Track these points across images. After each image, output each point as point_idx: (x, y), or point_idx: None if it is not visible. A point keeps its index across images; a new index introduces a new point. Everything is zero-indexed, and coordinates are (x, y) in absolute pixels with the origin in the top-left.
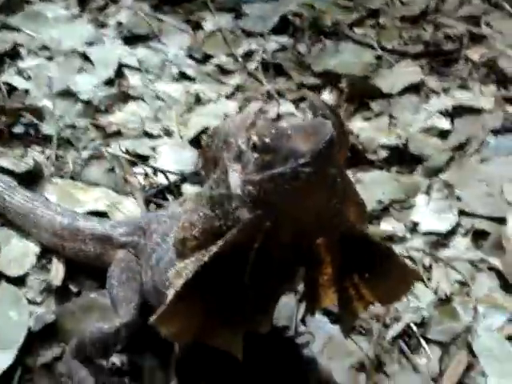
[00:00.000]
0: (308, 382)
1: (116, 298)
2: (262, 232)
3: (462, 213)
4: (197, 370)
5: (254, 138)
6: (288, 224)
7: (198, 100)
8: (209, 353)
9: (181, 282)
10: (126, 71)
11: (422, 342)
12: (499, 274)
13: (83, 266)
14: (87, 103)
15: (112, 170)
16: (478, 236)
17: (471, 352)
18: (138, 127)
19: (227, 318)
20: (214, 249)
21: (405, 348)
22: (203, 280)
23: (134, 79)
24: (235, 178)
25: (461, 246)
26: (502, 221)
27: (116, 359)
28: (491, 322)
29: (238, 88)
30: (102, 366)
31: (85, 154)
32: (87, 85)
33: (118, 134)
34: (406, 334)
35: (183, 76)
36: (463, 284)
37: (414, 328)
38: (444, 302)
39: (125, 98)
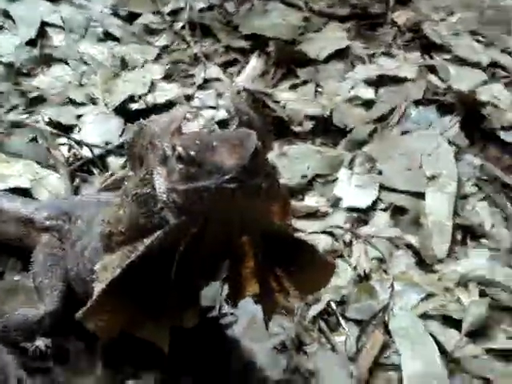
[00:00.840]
0: (230, 363)
1: (40, 285)
2: (188, 235)
3: (382, 188)
4: (122, 353)
5: (179, 149)
6: (213, 228)
7: (124, 63)
8: (135, 337)
9: (108, 277)
10: (49, 30)
11: (341, 320)
12: (415, 251)
13: (5, 246)
14: (9, 66)
15: (35, 139)
16: (397, 212)
17: (387, 331)
18: (61, 93)
19: (153, 312)
20: (140, 248)
21: (324, 327)
22: (130, 276)
23: (57, 39)
24: (161, 182)
25: (380, 222)
26: (420, 195)
27: (40, 342)
28: (407, 300)
29: (165, 49)
30: (25, 350)
31: (7, 121)
32: (9, 46)
33: (41, 100)
34: (326, 312)
35: (108, 36)
36: (381, 261)
37: (334, 306)
38: (363, 279)
39: (48, 60)
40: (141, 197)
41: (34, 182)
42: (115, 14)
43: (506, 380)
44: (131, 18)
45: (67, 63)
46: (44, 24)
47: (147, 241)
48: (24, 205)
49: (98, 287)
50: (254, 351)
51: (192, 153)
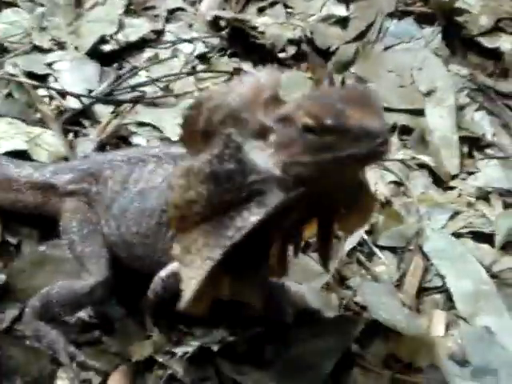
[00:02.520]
0: (284, 310)
1: (82, 255)
2: (298, 207)
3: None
4: (171, 313)
5: (307, 120)
6: (322, 198)
7: (78, 1)
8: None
9: (198, 265)
10: None
11: (376, 250)
12: (430, 170)
13: (19, 215)
14: None
15: (10, 95)
16: (403, 132)
17: (424, 255)
18: (23, 40)
19: (248, 276)
20: (238, 225)
21: (362, 259)
22: (227, 254)
23: None
24: (262, 157)
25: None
26: (419, 112)
27: (82, 314)
28: (434, 221)
29: None
30: (68, 323)
31: None
32: None
33: (2, 50)
34: (359, 244)
35: None
36: (399, 184)
37: (366, 237)
38: (385, 205)
39: None
40: (221, 173)
41: (29, 143)
42: None
43: None
44: None
45: (18, 6)
46: None
47: (246, 222)
48: (37, 169)
49: (189, 273)
50: (304, 294)
51: (328, 121)
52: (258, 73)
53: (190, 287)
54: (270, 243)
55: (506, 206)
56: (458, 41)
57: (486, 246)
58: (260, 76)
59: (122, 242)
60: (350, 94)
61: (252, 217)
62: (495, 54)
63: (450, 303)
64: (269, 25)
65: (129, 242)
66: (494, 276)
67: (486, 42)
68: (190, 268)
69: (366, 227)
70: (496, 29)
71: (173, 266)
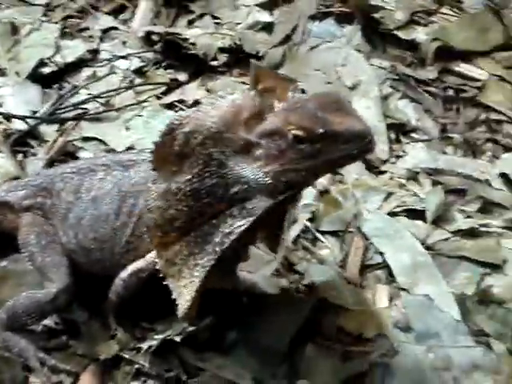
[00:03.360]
0: (241, 298)
1: (42, 265)
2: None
3: None
4: (133, 311)
5: (298, 132)
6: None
7: (15, 28)
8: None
9: (189, 275)
10: None
11: (318, 235)
12: (363, 159)
13: None
14: None
15: None
16: None
17: (363, 235)
18: None
19: (228, 267)
20: (226, 241)
21: (307, 245)
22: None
23: None
24: (250, 169)
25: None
26: None
27: (48, 321)
28: (370, 203)
29: (48, 7)
30: (35, 331)
31: None
32: None
33: None
34: (303, 231)
35: None
36: (335, 173)
37: (308, 224)
38: (324, 193)
39: None
40: (202, 190)
41: None
42: None
43: (478, 254)
44: None
45: None
46: None
47: (234, 228)
48: None
49: (178, 284)
50: (257, 282)
51: (320, 130)
52: (231, 96)
53: (183, 297)
54: (254, 239)
55: (434, 183)
56: (377, 36)
57: (419, 222)
58: (234, 98)
59: (81, 248)
60: (322, 102)
61: (238, 222)
62: (412, 45)
63: (391, 277)
64: (199, 35)
65: (87, 248)
66: (428, 248)
67: (403, 35)
68: (178, 278)
69: (308, 215)
70: (411, 22)
71: (132, 267)
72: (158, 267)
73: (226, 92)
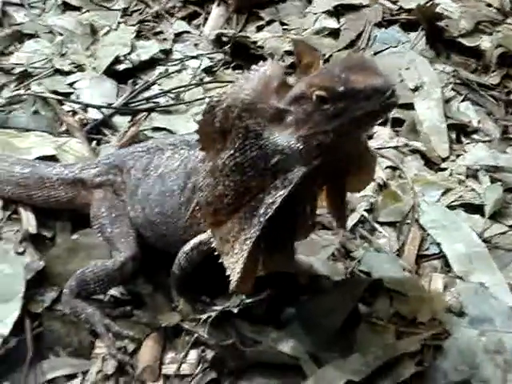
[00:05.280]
0: (297, 279)
1: (112, 236)
2: (318, 176)
3: None
4: (195, 285)
5: (320, 93)
6: (337, 163)
7: (94, 30)
8: (203, 269)
9: (236, 248)
10: (8, 9)
11: (376, 225)
12: (422, 155)
13: (52, 211)
14: None
15: (37, 112)
16: (395, 124)
17: (420, 226)
18: (45, 65)
19: (281, 246)
20: (267, 210)
21: (364, 233)
22: (260, 235)
23: (19, 16)
24: (283, 137)
25: (383, 135)
26: (410, 106)
27: (114, 291)
28: (428, 197)
29: (126, 11)
30: (103, 301)
31: (3, 99)
32: None
33: (27, 75)
34: (361, 221)
35: (68, 6)
36: (394, 169)
37: (366, 215)
38: (383, 187)
39: (18, 37)
40: (246, 162)
41: (57, 149)
42: None
43: None
44: None
45: (38, 37)
46: (2, 4)
47: (275, 198)
48: (66, 167)
49: (231, 260)
50: (313, 265)
51: (340, 89)
52: (262, 68)
53: (235, 271)
54: (296, 213)
55: (493, 180)
56: (441, 43)
57: (476, 216)
58: (264, 69)
59: (147, 222)
60: (349, 64)
61: (280, 191)
62: (476, 53)
63: (446, 267)
64: (267, 39)
65: (153, 221)
66: (485, 241)
67: (467, 42)
68: (231, 255)
69: (366, 206)
70: (475, 30)
71: (194, 241)
72: (213, 245)
73: (257, 65)
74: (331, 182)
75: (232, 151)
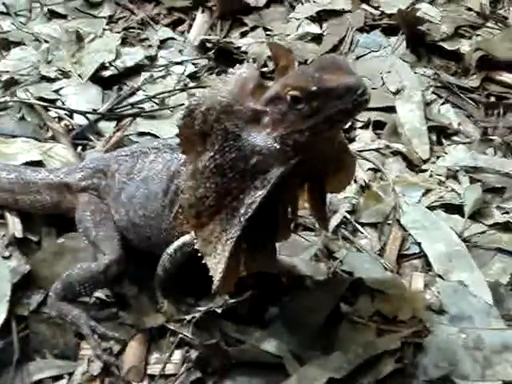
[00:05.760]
0: (280, 279)
1: (96, 239)
2: (298, 178)
3: None
4: (178, 286)
5: (294, 93)
6: (315, 162)
7: (80, 37)
8: (187, 270)
9: (219, 248)
10: None
11: (358, 226)
12: (403, 157)
13: (37, 215)
14: None
15: (23, 118)
16: (377, 127)
17: (401, 227)
18: (31, 72)
19: (261, 246)
20: (248, 210)
21: (346, 234)
22: (242, 234)
23: (5, 24)
24: (260, 137)
25: (365, 138)
26: (391, 109)
27: (99, 294)
28: (409, 198)
29: (111, 19)
30: (88, 303)
31: None
32: None
33: (14, 82)
34: (343, 222)
35: (54, 14)
36: (376, 171)
37: (348, 216)
38: (365, 188)
39: (5, 45)
40: (226, 164)
41: (43, 154)
42: None
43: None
44: None
45: (25, 44)
46: None
47: (254, 198)
48: (52, 172)
49: (213, 260)
50: (296, 265)
51: (313, 88)
52: (238, 70)
53: (217, 272)
54: (276, 213)
55: (472, 181)
56: (422, 47)
57: (456, 216)
58: (240, 72)
59: (131, 225)
60: (321, 64)
61: (259, 191)
62: (456, 56)
63: (427, 266)
64: (250, 44)
65: (137, 224)
66: (465, 240)
67: (448, 46)
68: (214, 255)
69: (348, 207)
70: (456, 35)
71: (177, 242)
72: (196, 247)
73: (234, 68)
74: (310, 182)
75: (212, 153)
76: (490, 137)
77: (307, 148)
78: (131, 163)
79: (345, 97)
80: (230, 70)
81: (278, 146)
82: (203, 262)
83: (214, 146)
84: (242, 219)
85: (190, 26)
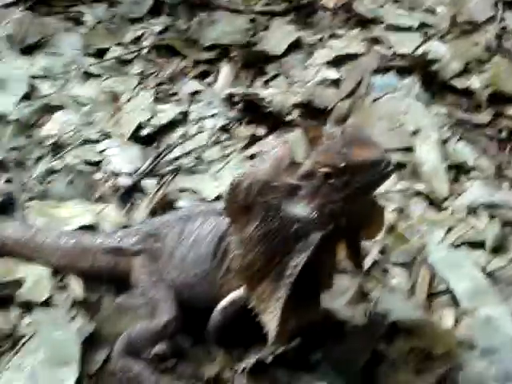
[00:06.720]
0: (323, 325)
1: (153, 301)
2: (335, 239)
3: None
4: (231, 337)
5: (325, 169)
6: (350, 222)
7: (115, 96)
8: (241, 321)
9: (271, 306)
10: (35, 82)
11: (389, 267)
12: (425, 196)
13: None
14: (17, 122)
15: (72, 181)
16: (398, 167)
17: (429, 265)
18: (75, 135)
19: (309, 301)
20: (293, 272)
21: (378, 275)
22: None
23: (45, 88)
24: (299, 208)
25: (389, 180)
26: (410, 150)
27: (157, 349)
28: (433, 237)
29: (142, 75)
30: (147, 357)
31: (38, 172)
32: (9, 104)
33: (60, 145)
34: (374, 264)
35: (89, 75)
36: (401, 211)
37: (378, 257)
38: (391, 230)
39: (47, 109)
40: (271, 232)
41: (95, 216)
42: (87, 54)
43: None
44: (101, 53)
45: (65, 107)
46: (30, 77)
47: (298, 261)
48: (107, 237)
49: (268, 316)
50: (335, 310)
51: (342, 164)
52: (273, 150)
53: (271, 327)
54: (320, 270)
55: (492, 216)
56: (435, 86)
57: (479, 252)
58: (275, 151)
59: (184, 285)
60: (347, 139)
61: (302, 255)
62: (467, 93)
63: (455, 303)
64: (274, 95)
65: (190, 284)
66: (489, 275)
67: (459, 83)
68: (267, 313)
69: (378, 249)
70: (465, 71)
71: (227, 299)
72: (250, 306)
73: (270, 148)
74: (347, 238)
75: (256, 224)
76: (505, 171)
77: (343, 214)
78: (180, 228)
79: (371, 170)
80: (266, 150)
81: (315, 215)
82: (258, 319)
83: (258, 217)
84: (288, 280)
85: (216, 77)
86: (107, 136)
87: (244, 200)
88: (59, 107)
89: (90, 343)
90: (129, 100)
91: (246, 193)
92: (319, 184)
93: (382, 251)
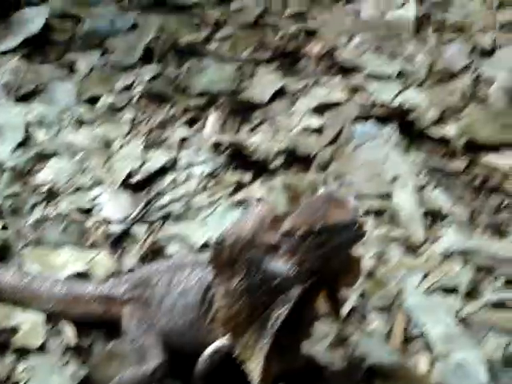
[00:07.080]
0: (304, 370)
1: (142, 348)
2: (315, 291)
3: (356, 197)
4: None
5: (306, 229)
6: (328, 276)
7: (107, 143)
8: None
9: (255, 354)
10: (30, 129)
11: (367, 311)
12: (402, 242)
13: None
14: (13, 170)
15: (65, 228)
16: (376, 214)
17: (405, 310)
18: (68, 182)
19: (291, 348)
20: (277, 322)
21: (356, 321)
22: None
23: (40, 136)
24: (280, 264)
25: (367, 226)
26: (388, 196)
27: None
28: (410, 282)
29: (133, 122)
30: None
31: (33, 219)
32: (6, 152)
33: (54, 193)
34: (353, 309)
35: (82, 122)
36: (379, 256)
37: (357, 303)
38: (370, 275)
39: (42, 156)
40: (253, 285)
41: (88, 264)
42: (80, 101)
43: (506, 323)
44: (94, 101)
45: (59, 154)
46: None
47: (280, 312)
48: (98, 286)
49: (252, 364)
50: (315, 355)
51: (317, 227)
52: (256, 209)
53: (255, 374)
54: (301, 320)
55: (466, 261)
56: (412, 134)
57: (453, 297)
58: (257, 211)
59: (173, 332)
60: (321, 203)
61: (284, 306)
62: (443, 140)
63: (429, 347)
64: (259, 143)
65: (178, 331)
66: (462, 320)
67: (435, 132)
68: (251, 360)
69: (358, 293)
70: (442, 119)
71: (213, 346)
72: (235, 354)
73: (252, 206)
74: (326, 289)
75: (240, 278)
76: (478, 218)
77: (320, 269)
78: (169, 277)
79: (344, 232)
80: (248, 209)
81: (294, 271)
82: (242, 367)
83: (242, 271)
84: (271, 331)
85: (204, 123)
86: (99, 183)
87: (229, 255)
88: (53, 154)
89: None
90: (120, 147)
91: (230, 249)
92: (297, 243)
93: (362, 295)
